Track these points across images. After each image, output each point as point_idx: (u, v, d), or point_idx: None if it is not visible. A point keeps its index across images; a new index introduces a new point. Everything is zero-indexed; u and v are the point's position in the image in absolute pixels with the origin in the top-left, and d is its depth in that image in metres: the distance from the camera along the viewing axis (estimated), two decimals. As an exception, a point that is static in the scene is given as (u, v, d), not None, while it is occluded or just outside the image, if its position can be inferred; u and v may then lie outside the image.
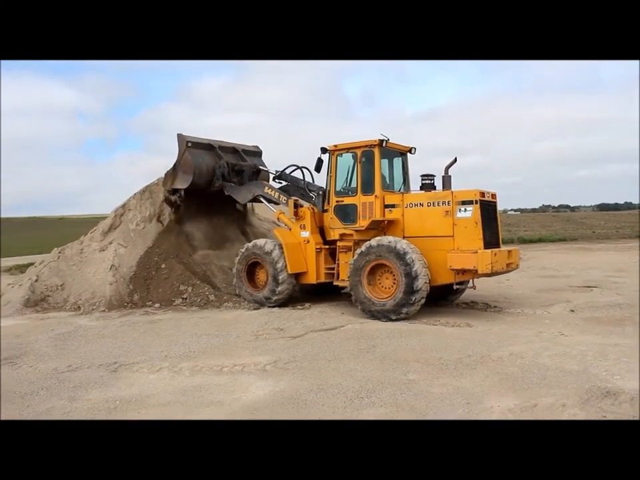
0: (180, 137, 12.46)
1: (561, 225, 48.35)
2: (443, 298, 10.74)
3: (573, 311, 10.22)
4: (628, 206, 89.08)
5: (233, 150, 13.37)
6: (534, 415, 5.00)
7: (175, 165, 12.65)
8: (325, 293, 11.99)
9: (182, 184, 12.29)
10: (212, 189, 12.54)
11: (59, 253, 12.70)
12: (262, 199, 12.31)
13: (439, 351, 7.28)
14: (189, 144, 12.36)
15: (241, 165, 13.01)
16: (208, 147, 12.83)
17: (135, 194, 13.40)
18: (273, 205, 12.24)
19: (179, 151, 12.47)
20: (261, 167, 13.04)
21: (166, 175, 12.92)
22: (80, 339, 8.57)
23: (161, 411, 5.29)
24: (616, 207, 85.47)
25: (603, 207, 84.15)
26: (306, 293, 12.10)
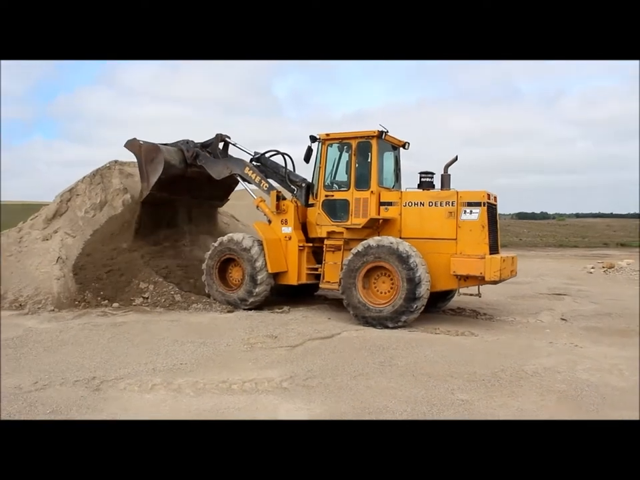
0: (131, 141, 11.20)
1: (488, 231, 49.83)
2: (432, 305, 10.09)
3: (564, 319, 9.95)
4: (543, 215, 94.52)
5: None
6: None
7: (139, 167, 11.19)
8: (297, 294, 11.03)
9: (156, 172, 10.69)
10: (188, 161, 11.19)
11: (-8, 241, 10.90)
12: (239, 179, 11.06)
13: (465, 364, 6.58)
14: (142, 142, 11.10)
15: (205, 141, 11.60)
16: (160, 145, 11.50)
17: (84, 177, 11.82)
18: (251, 188, 11.01)
19: (136, 153, 11.17)
20: (228, 140, 11.55)
21: (141, 189, 11.41)
22: (36, 346, 7.10)
23: (183, 446, 4.18)
24: (533, 216, 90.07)
25: (521, 216, 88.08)
26: (277, 294, 11.00)
